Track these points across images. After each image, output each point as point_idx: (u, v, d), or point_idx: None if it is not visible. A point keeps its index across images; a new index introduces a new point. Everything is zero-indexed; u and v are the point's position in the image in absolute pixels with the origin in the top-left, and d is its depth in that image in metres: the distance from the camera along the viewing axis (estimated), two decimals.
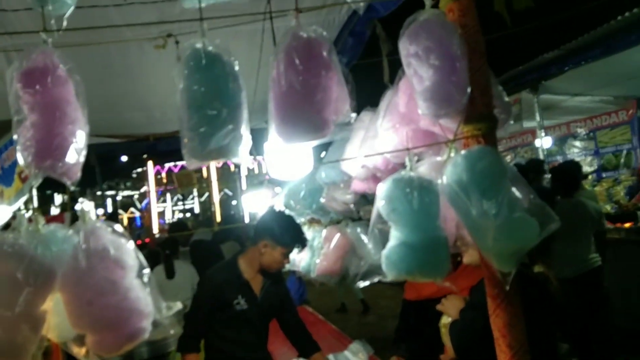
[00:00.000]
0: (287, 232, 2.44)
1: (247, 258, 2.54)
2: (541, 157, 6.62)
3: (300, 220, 2.80)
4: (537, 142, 6.91)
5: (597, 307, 3.98)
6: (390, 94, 1.56)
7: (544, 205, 1.18)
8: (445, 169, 1.24)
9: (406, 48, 1.34)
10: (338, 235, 2.85)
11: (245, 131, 1.35)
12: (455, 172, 1.20)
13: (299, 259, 3.11)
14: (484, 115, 1.33)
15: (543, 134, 6.76)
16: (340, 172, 2.27)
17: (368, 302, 7.22)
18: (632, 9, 4.80)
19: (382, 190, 1.32)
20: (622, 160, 7.92)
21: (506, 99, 1.52)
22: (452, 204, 1.23)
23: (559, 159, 8.92)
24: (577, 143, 8.93)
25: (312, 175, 2.59)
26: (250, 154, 1.39)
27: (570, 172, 4.47)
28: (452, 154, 1.27)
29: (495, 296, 1.31)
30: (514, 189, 1.16)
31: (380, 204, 1.32)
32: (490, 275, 1.28)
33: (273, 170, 2.13)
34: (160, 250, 4.78)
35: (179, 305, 3.48)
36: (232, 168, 15.60)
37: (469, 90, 1.24)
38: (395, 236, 1.29)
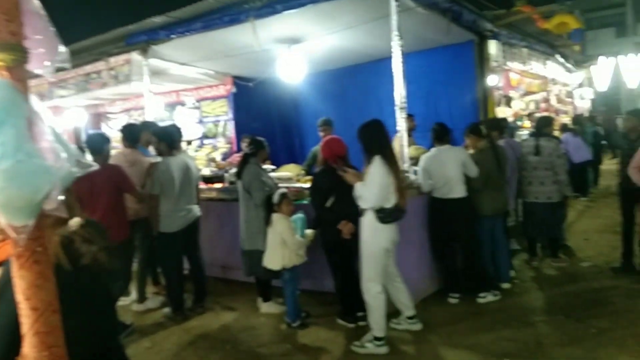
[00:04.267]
0: None
1: None
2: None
3: None
4: (146, 106, 7.00)
5: None
6: None
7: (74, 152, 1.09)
8: None
9: None
10: None
11: None
12: None
13: None
14: (9, 45, 1.12)
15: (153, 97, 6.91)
16: None
17: None
18: None
19: None
20: (220, 129, 8.96)
21: (55, 37, 1.34)
22: None
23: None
24: (186, 111, 9.54)
25: None
26: None
27: (171, 133, 4.96)
28: None
29: (19, 255, 1.15)
30: (32, 133, 1.02)
31: None
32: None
33: None
34: None
35: None
36: None
37: None
38: None
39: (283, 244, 4.31)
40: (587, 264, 5.63)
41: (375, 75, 7.61)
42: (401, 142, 4.88)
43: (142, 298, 5.20)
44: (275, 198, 4.40)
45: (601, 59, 17.42)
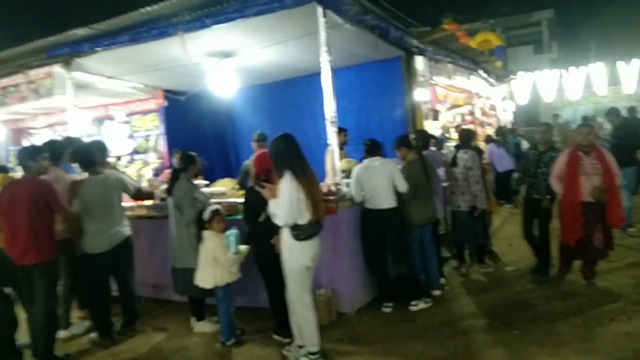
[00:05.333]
0: None
1: None
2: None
3: None
4: (70, 121, 6.69)
5: None
6: None
7: None
8: None
9: None
10: None
11: None
12: None
13: None
14: None
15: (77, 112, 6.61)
16: None
17: None
18: (159, 2, 5.22)
19: None
20: (152, 144, 8.70)
21: None
22: None
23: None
24: (115, 125, 9.20)
25: None
26: None
27: (87, 152, 4.75)
28: None
29: None
30: None
31: None
32: None
33: None
34: None
35: None
36: None
37: None
38: None
39: (215, 261, 4.23)
40: (511, 269, 5.93)
41: (309, 89, 7.71)
42: (332, 156, 4.95)
43: (66, 324, 4.92)
44: (206, 215, 4.32)
45: (520, 74, 18.59)
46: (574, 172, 4.99)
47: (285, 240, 3.72)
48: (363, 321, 4.69)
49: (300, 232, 3.65)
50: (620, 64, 17.61)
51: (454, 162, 5.76)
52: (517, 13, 29.90)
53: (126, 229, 4.77)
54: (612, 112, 8.02)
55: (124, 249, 4.71)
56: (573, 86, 18.50)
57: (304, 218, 3.65)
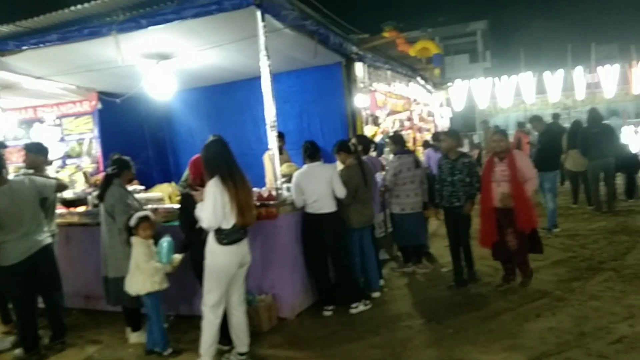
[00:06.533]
0: None
1: None
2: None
3: None
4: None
5: None
6: None
7: None
8: None
9: None
10: None
11: None
12: None
13: None
14: None
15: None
16: None
17: None
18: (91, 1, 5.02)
19: None
20: (85, 148, 8.32)
21: None
22: None
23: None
24: (45, 128, 8.73)
25: None
26: None
27: None
28: None
29: None
30: None
31: None
32: None
33: None
34: None
35: None
36: None
37: None
38: None
39: (137, 269, 4.12)
40: (446, 270, 6.13)
41: (250, 93, 7.62)
42: (272, 160, 4.94)
43: None
44: (132, 221, 4.18)
45: (457, 81, 19.33)
46: (487, 178, 5.22)
47: (209, 243, 3.70)
48: (304, 325, 4.70)
49: (223, 237, 3.64)
50: (546, 74, 18.75)
51: (391, 166, 5.92)
52: (454, 23, 31.24)
53: (45, 237, 4.48)
54: (534, 119, 8.52)
55: (43, 258, 4.43)
56: (505, 94, 19.50)
57: (229, 222, 3.63)
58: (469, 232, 5.54)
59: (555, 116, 12.79)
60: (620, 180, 9.75)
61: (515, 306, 4.74)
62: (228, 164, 3.67)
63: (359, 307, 4.94)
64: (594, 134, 8.56)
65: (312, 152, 5.07)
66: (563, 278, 5.43)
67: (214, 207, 3.56)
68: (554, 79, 18.63)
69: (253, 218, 3.84)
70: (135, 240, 4.17)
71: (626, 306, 4.47)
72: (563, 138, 9.23)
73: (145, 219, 4.21)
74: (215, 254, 3.69)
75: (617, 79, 18.22)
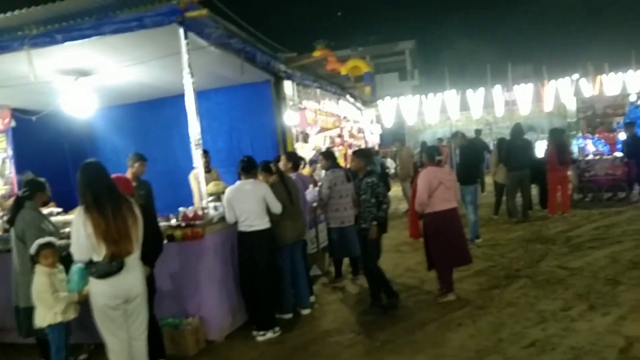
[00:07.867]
0: None
1: None
2: None
3: None
4: None
5: None
6: None
7: None
8: None
9: None
10: None
11: None
12: None
13: None
14: None
15: None
16: None
17: None
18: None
19: None
20: None
21: None
22: None
23: None
24: None
25: None
26: None
27: None
28: None
29: None
30: None
31: None
32: None
33: None
34: None
35: None
36: None
37: None
38: None
39: (38, 299, 3.88)
40: None
41: (178, 110, 7.32)
42: (197, 179, 4.86)
43: None
44: (32, 248, 3.89)
45: (387, 99, 19.96)
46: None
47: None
48: (233, 347, 4.61)
49: (94, 270, 3.24)
50: (469, 92, 19.83)
51: (326, 180, 6.00)
52: (384, 42, 32.37)
53: None
54: (455, 135, 8.99)
55: None
56: (432, 111, 20.39)
57: (99, 254, 3.21)
58: (374, 258, 5.28)
59: (478, 132, 13.53)
60: (535, 191, 10.40)
61: (439, 316, 4.91)
62: (95, 192, 3.23)
63: (266, 335, 4.74)
64: (517, 146, 9.15)
65: (247, 166, 4.99)
66: (483, 287, 5.69)
67: (76, 239, 3.23)
68: (475, 96, 19.75)
69: (132, 247, 3.31)
70: (37, 268, 3.90)
71: (539, 311, 4.76)
72: (493, 153, 9.76)
73: (46, 245, 3.92)
74: (93, 287, 3.32)
75: (532, 97, 19.61)
